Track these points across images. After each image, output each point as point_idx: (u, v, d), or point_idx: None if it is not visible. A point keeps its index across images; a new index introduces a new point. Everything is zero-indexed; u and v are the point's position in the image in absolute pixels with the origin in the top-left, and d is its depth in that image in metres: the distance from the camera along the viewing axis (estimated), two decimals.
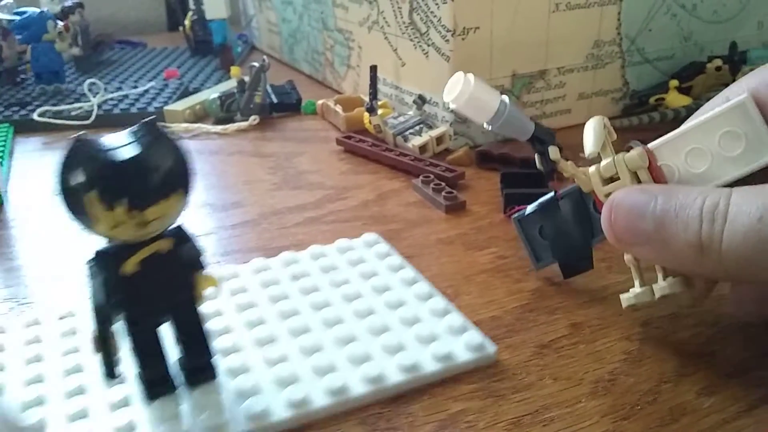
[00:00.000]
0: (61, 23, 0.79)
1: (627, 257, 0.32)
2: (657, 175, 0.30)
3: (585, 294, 0.36)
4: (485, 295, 0.36)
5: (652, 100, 0.62)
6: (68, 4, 0.88)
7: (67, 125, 0.69)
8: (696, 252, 0.26)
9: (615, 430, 0.27)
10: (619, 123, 0.59)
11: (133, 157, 0.22)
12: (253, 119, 0.68)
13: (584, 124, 0.32)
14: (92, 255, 0.24)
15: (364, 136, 0.59)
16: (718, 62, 0.62)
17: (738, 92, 0.29)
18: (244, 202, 0.51)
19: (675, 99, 0.61)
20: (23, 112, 0.71)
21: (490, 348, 0.31)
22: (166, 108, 0.70)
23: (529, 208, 0.37)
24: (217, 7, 0.88)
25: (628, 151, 0.31)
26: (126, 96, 0.75)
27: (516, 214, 0.38)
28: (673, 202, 0.27)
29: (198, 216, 0.48)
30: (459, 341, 0.31)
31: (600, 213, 0.31)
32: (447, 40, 0.54)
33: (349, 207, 0.49)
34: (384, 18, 0.63)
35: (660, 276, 0.30)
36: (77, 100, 0.74)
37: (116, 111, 0.71)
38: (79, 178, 0.21)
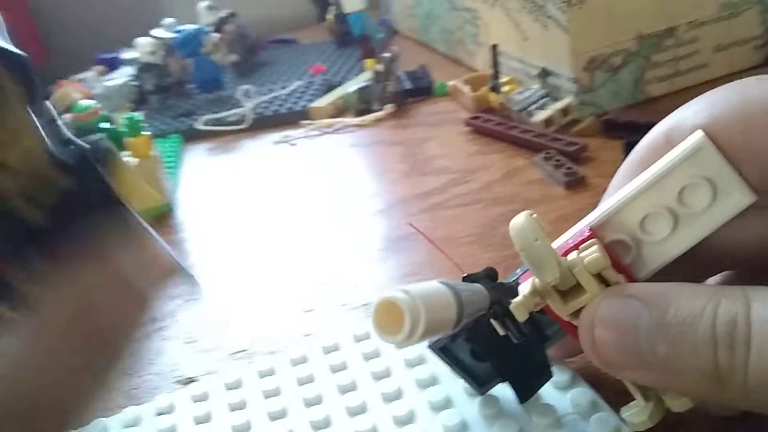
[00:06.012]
0: (216, 35, 0.87)
1: None
2: (620, 267, 0.24)
3: None
4: None
5: None
6: (222, 15, 0.96)
7: (227, 131, 0.76)
8: (711, 382, 0.21)
9: None
10: (765, 72, 0.56)
11: None
12: (389, 107, 0.71)
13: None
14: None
15: (491, 115, 0.61)
16: None
17: (680, 129, 0.24)
18: (375, 191, 0.54)
19: None
20: (189, 121, 0.79)
21: None
22: (310, 105, 0.75)
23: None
24: (353, 0, 0.92)
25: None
26: (276, 97, 0.81)
27: (432, 342, 0.29)
28: (672, 312, 0.21)
29: (335, 209, 0.53)
30: None
31: (544, 312, 0.25)
32: (564, 11, 0.54)
33: (472, 190, 0.51)
34: None
35: None
36: (235, 105, 0.81)
37: (268, 113, 0.77)
38: None
